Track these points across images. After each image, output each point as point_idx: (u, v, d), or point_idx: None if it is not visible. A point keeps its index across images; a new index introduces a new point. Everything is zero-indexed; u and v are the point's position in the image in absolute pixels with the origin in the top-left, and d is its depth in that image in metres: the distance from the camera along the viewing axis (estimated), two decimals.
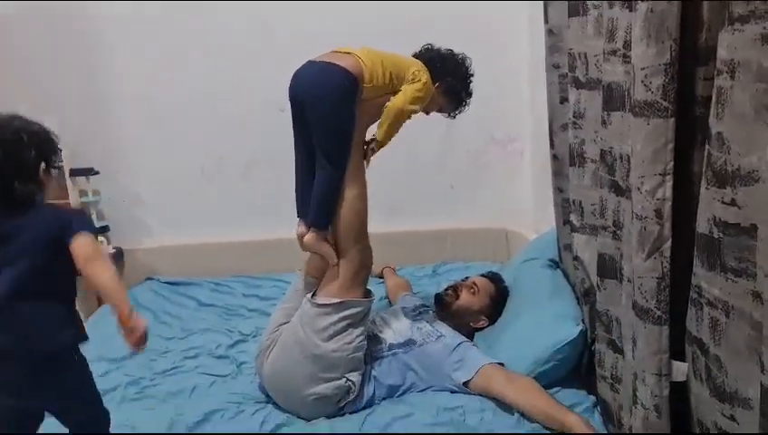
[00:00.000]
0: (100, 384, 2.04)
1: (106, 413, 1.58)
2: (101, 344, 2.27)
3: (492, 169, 3.22)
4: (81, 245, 1.37)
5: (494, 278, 2.30)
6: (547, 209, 2.41)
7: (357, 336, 1.86)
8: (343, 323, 1.84)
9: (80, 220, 1.44)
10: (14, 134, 1.38)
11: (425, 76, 1.91)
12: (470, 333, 2.16)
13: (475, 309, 2.17)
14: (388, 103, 1.87)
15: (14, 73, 3.01)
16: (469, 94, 2.05)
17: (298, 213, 1.99)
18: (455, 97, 2.02)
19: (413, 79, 1.89)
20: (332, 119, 1.80)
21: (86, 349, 2.11)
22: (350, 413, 1.86)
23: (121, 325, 1.37)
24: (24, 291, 1.37)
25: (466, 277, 2.32)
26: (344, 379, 1.84)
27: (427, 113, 2.06)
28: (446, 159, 3.22)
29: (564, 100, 1.98)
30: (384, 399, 1.92)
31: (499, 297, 2.24)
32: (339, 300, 1.84)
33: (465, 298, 2.18)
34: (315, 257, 2.05)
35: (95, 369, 2.14)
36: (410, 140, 3.08)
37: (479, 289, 2.21)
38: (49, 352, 1.41)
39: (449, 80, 1.98)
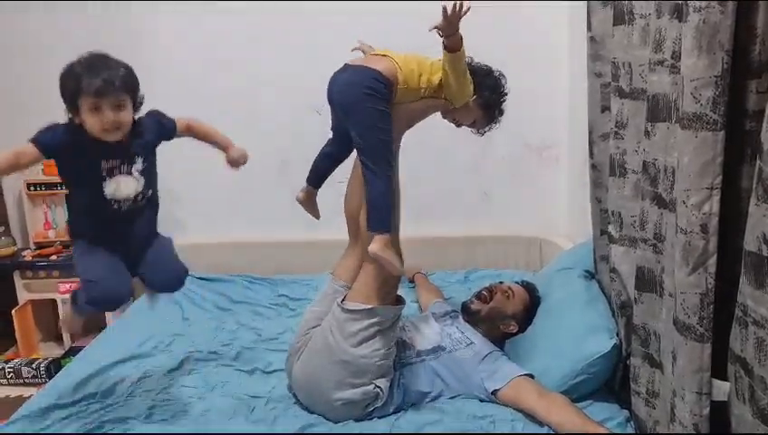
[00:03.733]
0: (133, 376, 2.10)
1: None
2: (131, 344, 2.34)
3: (527, 177, 3.20)
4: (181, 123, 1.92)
5: (528, 287, 2.28)
6: (583, 218, 2.37)
7: (386, 343, 1.85)
8: (373, 330, 1.83)
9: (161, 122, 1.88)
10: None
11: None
12: (500, 338, 2.14)
13: (508, 313, 2.14)
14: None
15: (54, 65, 3.08)
16: (501, 112, 2.03)
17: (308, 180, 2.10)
18: (489, 112, 2.00)
19: None
20: (368, 120, 1.78)
21: (116, 347, 2.18)
22: (379, 418, 1.86)
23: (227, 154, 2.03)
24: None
25: (501, 282, 2.31)
26: (372, 385, 1.83)
27: (459, 125, 2.04)
28: (481, 165, 3.20)
29: (605, 109, 1.95)
30: (413, 405, 1.91)
31: (532, 306, 2.21)
32: (369, 306, 1.83)
33: (498, 300, 2.16)
34: (345, 261, 2.05)
35: (128, 363, 2.20)
36: (445, 145, 3.11)
37: (514, 294, 2.19)
38: None
39: (487, 94, 1.96)
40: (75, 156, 1.68)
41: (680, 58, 1.27)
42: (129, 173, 1.75)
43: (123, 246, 1.82)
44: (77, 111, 1.63)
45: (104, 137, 1.65)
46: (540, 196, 3.19)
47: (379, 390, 1.84)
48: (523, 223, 3.19)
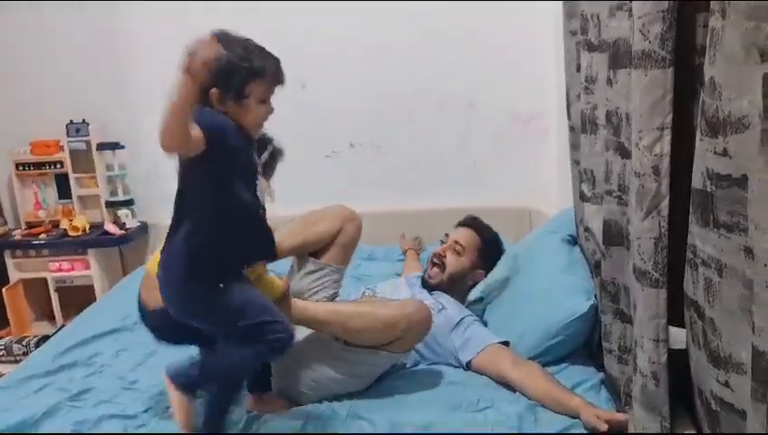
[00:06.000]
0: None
1: None
2: (114, 319, 2.34)
3: (516, 147, 3.17)
4: None
5: (473, 226, 2.22)
6: (571, 187, 2.33)
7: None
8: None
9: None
10: None
11: None
12: (472, 287, 2.14)
13: (467, 267, 2.12)
14: None
15: (41, 49, 3.09)
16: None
17: None
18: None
19: None
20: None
21: (98, 322, 2.13)
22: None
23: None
24: None
25: (446, 235, 2.24)
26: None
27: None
28: (470, 137, 3.18)
29: (580, 67, 1.91)
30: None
31: (486, 246, 2.18)
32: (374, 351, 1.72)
33: (452, 263, 2.12)
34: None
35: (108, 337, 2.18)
36: (433, 118, 3.09)
37: (463, 247, 2.14)
38: None
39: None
40: (234, 151, 1.33)
41: None
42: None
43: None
44: (239, 98, 1.34)
45: (258, 131, 1.43)
46: (530, 166, 3.16)
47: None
48: (512, 194, 3.16)
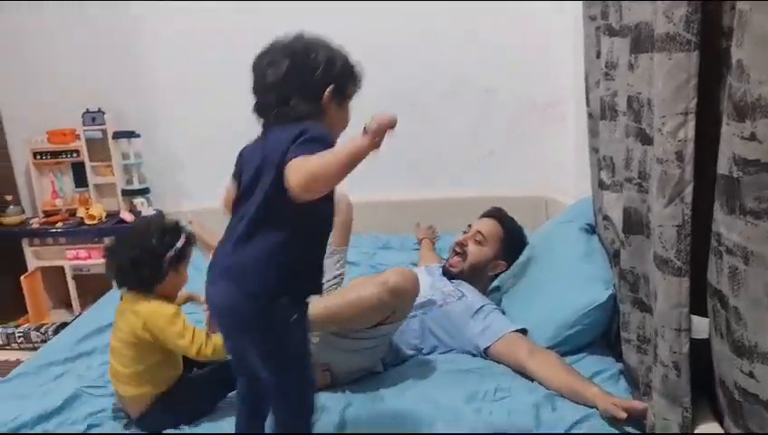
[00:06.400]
0: None
1: None
2: None
3: (532, 136, 3.14)
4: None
5: (497, 217, 2.21)
6: (588, 176, 2.30)
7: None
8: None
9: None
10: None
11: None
12: (493, 279, 2.13)
13: (490, 257, 2.10)
14: None
15: (57, 39, 3.10)
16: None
17: None
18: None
19: None
20: None
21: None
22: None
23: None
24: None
25: (469, 225, 2.23)
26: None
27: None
28: (486, 126, 3.15)
29: (600, 53, 1.88)
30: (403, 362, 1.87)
31: (509, 236, 2.16)
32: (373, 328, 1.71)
33: (474, 252, 2.11)
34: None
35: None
36: (448, 105, 3.06)
37: (485, 237, 2.13)
38: None
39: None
40: None
41: None
42: None
43: None
44: (342, 99, 1.31)
45: (340, 135, 1.31)
46: (546, 155, 3.12)
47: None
48: (528, 183, 3.14)
